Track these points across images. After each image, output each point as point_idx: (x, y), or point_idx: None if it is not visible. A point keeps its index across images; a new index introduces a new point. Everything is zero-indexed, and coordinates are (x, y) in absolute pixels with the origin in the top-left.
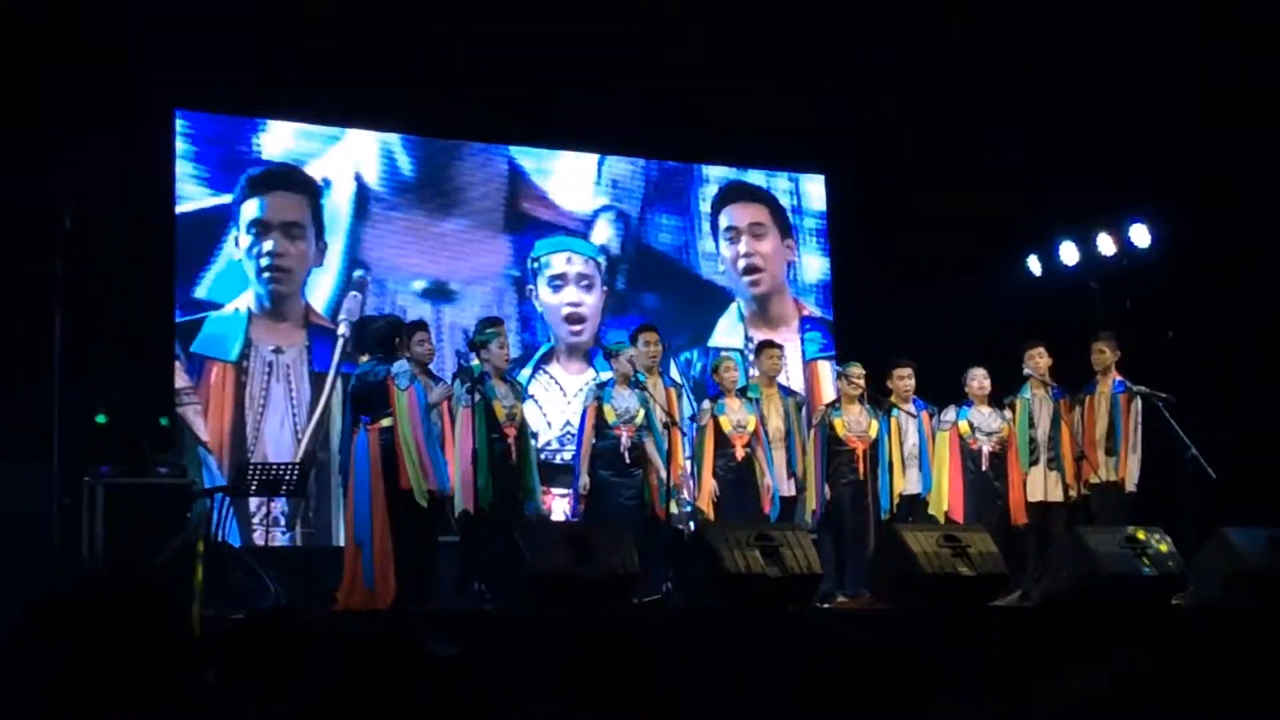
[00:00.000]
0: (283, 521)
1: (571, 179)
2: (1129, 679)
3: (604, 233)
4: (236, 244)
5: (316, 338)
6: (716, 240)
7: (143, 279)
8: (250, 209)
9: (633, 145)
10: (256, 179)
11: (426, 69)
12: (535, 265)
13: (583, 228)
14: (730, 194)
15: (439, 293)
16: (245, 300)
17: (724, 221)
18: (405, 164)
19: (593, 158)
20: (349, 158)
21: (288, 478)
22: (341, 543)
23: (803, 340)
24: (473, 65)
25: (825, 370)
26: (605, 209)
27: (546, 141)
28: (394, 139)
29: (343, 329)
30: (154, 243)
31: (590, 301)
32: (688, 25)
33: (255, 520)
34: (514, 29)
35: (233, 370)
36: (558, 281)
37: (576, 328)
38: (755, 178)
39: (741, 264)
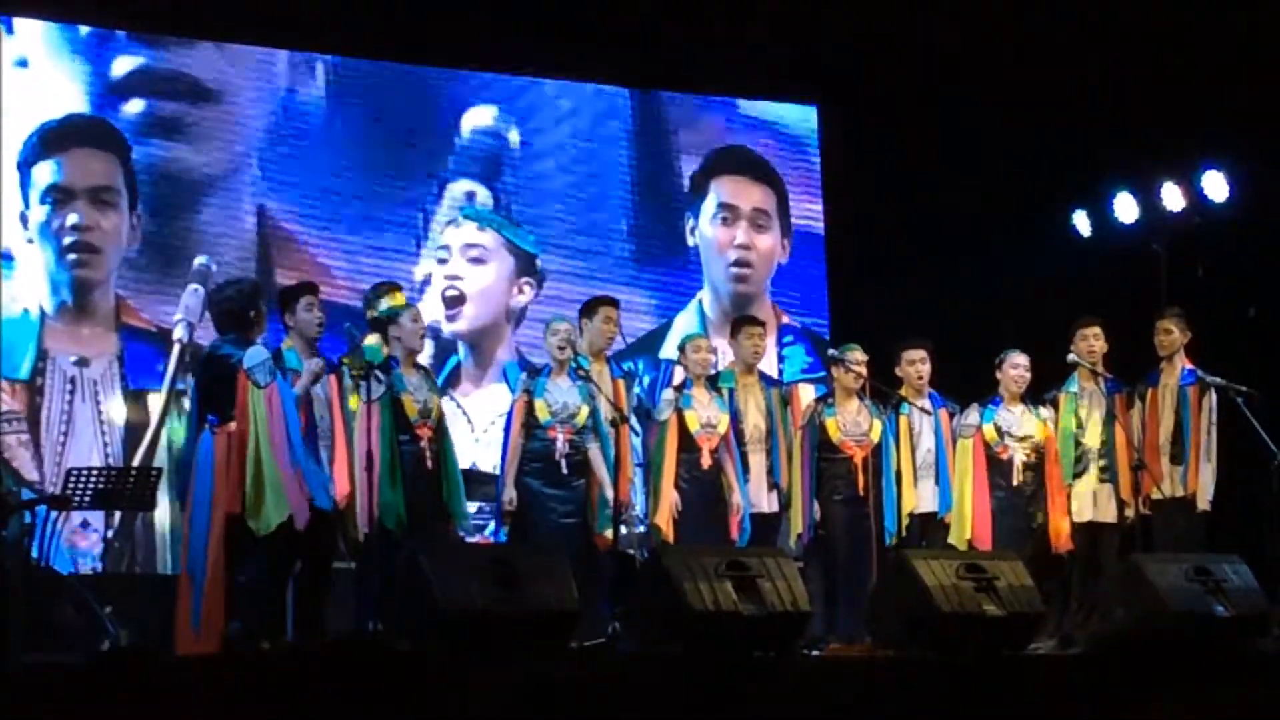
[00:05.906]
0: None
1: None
2: None
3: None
4: (24, 221)
5: (132, 344)
6: (696, 210)
7: None
8: (44, 173)
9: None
10: (51, 134)
11: None
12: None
13: None
14: (729, 162)
15: None
16: (36, 298)
17: (717, 194)
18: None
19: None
20: None
21: (128, 487)
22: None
23: (781, 355)
24: None
25: (808, 396)
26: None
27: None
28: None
29: (180, 332)
30: None
31: (485, 281)
32: None
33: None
34: None
35: (24, 391)
36: (443, 255)
37: (452, 311)
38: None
39: (733, 255)
